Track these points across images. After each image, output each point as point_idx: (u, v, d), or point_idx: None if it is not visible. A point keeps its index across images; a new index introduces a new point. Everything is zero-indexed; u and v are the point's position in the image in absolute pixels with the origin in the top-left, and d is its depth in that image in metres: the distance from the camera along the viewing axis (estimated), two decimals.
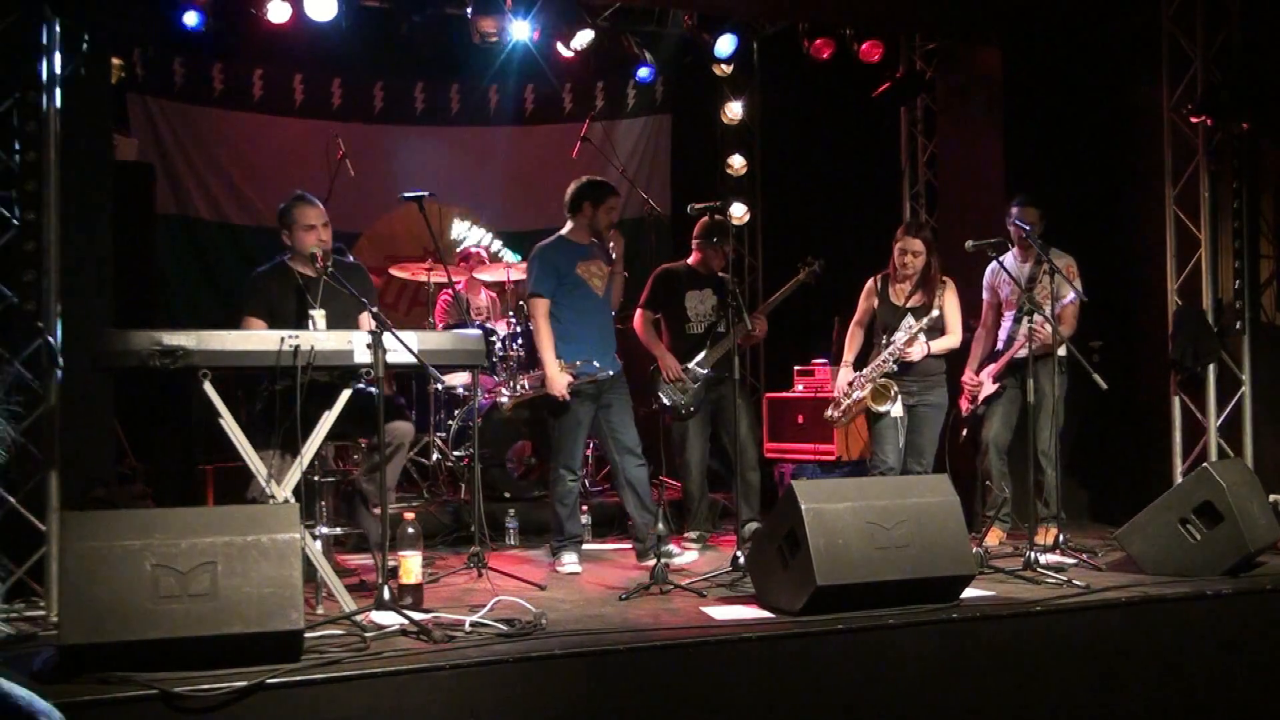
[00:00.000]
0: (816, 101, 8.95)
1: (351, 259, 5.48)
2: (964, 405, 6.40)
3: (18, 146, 4.73)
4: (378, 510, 4.89)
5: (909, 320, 5.98)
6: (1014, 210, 6.19)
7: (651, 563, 5.17)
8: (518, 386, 5.92)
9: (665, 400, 6.24)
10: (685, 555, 5.68)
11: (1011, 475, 6.31)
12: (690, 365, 6.23)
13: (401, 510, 5.57)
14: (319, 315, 4.81)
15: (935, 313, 5.93)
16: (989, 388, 6.28)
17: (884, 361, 5.97)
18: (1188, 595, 4.69)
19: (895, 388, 5.92)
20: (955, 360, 6.50)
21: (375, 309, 4.58)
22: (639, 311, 6.46)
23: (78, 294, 4.90)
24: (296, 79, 8.90)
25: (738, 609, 4.48)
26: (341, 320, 4.84)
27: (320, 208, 5.04)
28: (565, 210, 5.79)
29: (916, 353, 5.93)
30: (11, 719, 1.67)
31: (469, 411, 6.90)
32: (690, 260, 6.49)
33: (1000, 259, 5.98)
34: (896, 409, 5.93)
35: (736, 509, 5.74)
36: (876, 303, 6.11)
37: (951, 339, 6.03)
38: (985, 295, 6.43)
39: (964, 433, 6.40)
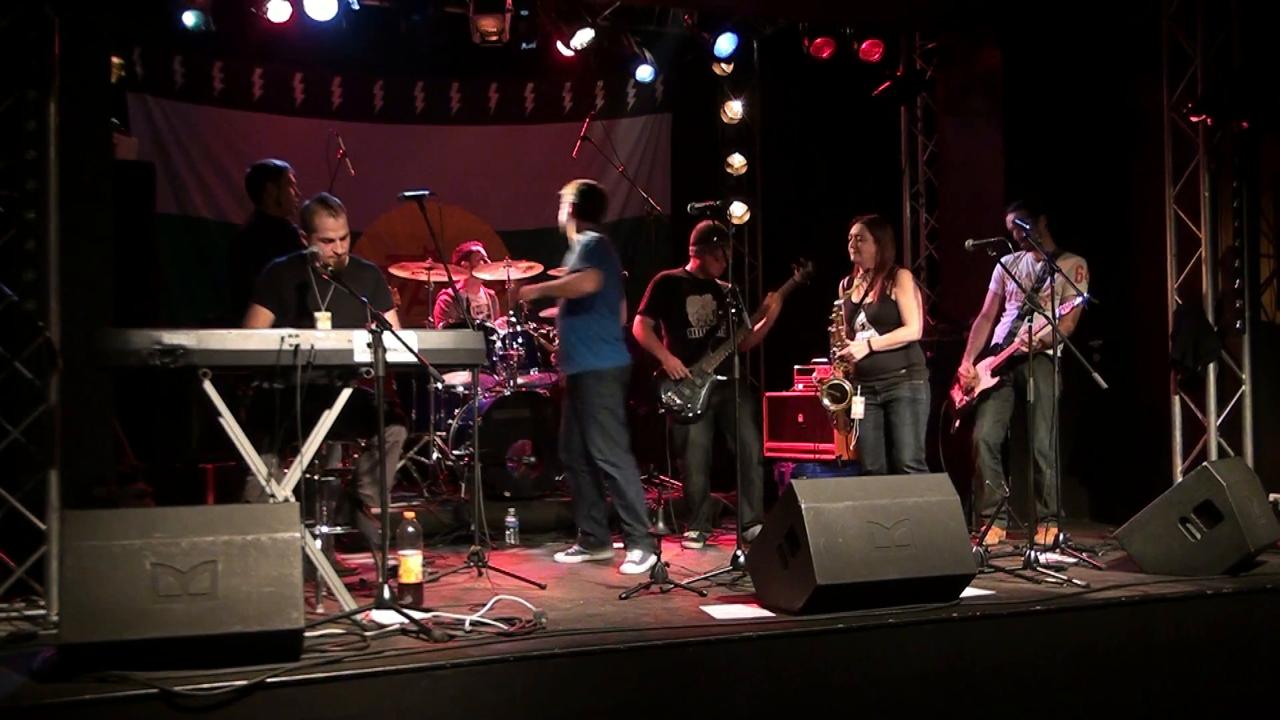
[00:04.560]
0: (816, 101, 8.95)
1: (366, 261, 5.50)
2: (957, 397, 6.39)
3: (18, 145, 4.73)
4: (376, 510, 4.90)
5: (860, 317, 6.01)
6: (1008, 216, 6.23)
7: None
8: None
9: (671, 404, 6.25)
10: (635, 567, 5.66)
11: (1011, 474, 6.30)
12: (694, 368, 6.24)
13: (401, 510, 5.57)
14: (323, 318, 4.80)
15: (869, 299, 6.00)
16: (987, 381, 6.27)
17: (835, 362, 6.04)
18: (1188, 595, 4.69)
19: (849, 388, 5.95)
20: (955, 356, 6.50)
21: (388, 311, 4.56)
22: (638, 318, 6.46)
23: (78, 294, 4.89)
24: (296, 78, 8.90)
25: (738, 608, 4.48)
26: (352, 322, 4.81)
27: (341, 217, 5.01)
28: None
29: (857, 351, 5.96)
30: None
31: (469, 411, 6.90)
32: (689, 266, 6.50)
33: (1004, 259, 5.97)
34: (857, 409, 5.94)
35: (739, 508, 5.74)
36: (843, 299, 6.15)
37: (902, 331, 5.94)
38: (992, 286, 6.42)
39: (956, 424, 6.39)
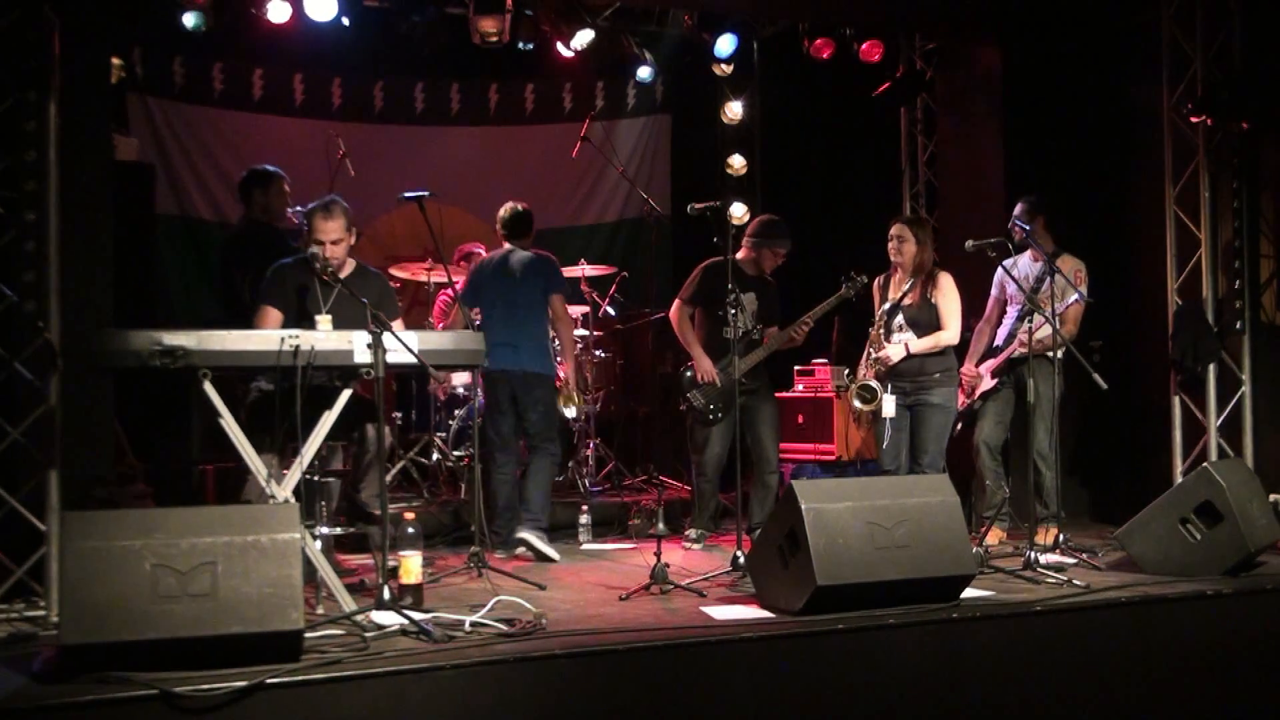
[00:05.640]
0: (816, 101, 8.95)
1: (374, 270, 5.51)
2: (959, 399, 6.39)
3: (18, 147, 4.73)
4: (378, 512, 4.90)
5: (898, 319, 5.99)
6: (1016, 210, 6.23)
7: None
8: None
9: (694, 403, 6.23)
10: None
11: (1011, 475, 6.30)
12: (723, 370, 6.20)
13: (402, 510, 5.57)
14: (323, 320, 4.80)
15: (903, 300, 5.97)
16: (988, 382, 6.28)
17: (869, 364, 6.00)
18: (1188, 595, 4.69)
19: (879, 388, 5.93)
20: (961, 356, 6.50)
21: (385, 315, 4.55)
22: (677, 303, 6.40)
23: (78, 294, 4.90)
24: (296, 79, 8.90)
25: (738, 609, 4.48)
26: (354, 326, 4.78)
27: (337, 220, 4.99)
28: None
29: (894, 354, 5.93)
30: None
31: (469, 411, 6.90)
32: (739, 254, 6.28)
33: (1004, 262, 5.97)
34: (888, 408, 5.92)
35: (749, 511, 5.71)
36: (878, 299, 6.13)
37: (941, 335, 5.94)
38: (994, 290, 6.42)
39: (958, 427, 6.39)
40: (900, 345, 5.93)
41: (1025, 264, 6.27)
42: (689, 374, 6.28)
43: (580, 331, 7.77)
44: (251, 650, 3.52)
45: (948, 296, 5.97)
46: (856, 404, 6.05)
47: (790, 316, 6.31)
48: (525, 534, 5.90)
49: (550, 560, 5.84)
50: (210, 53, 8.44)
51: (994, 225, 6.32)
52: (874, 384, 5.96)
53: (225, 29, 7.10)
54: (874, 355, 6.01)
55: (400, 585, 4.43)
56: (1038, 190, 6.43)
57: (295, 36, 7.39)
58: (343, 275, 5.06)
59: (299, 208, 6.38)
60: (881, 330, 6.03)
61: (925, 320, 5.95)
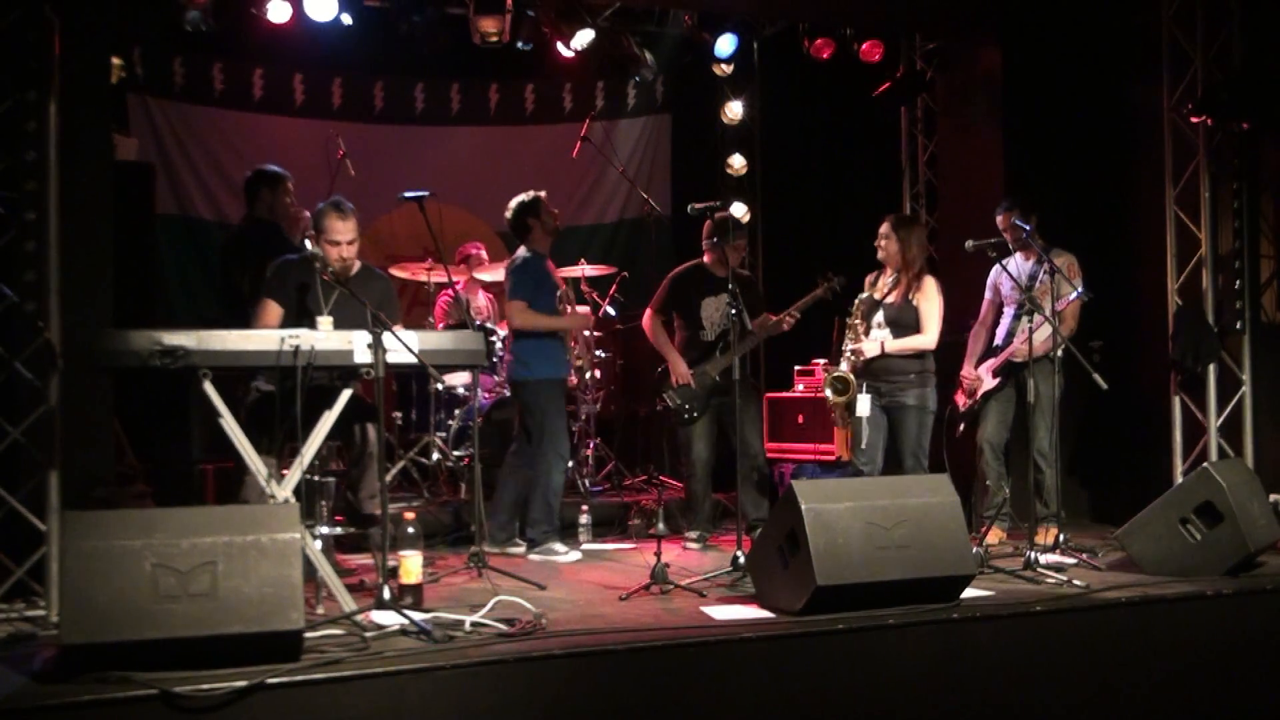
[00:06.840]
0: (816, 101, 8.96)
1: (380, 272, 5.51)
2: (960, 400, 6.38)
3: (18, 146, 4.73)
4: (377, 512, 4.90)
5: (878, 316, 5.98)
6: (999, 217, 6.20)
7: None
8: None
9: (670, 404, 6.26)
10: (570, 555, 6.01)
11: (1011, 474, 6.30)
12: (697, 371, 6.23)
13: (402, 510, 5.57)
14: (324, 322, 4.79)
15: (888, 296, 5.96)
16: (989, 382, 6.27)
17: (845, 357, 5.97)
18: (1188, 595, 4.69)
19: (853, 382, 5.90)
20: (953, 358, 6.50)
21: (387, 318, 4.55)
22: (648, 312, 6.47)
23: (78, 294, 4.89)
24: (296, 79, 8.90)
25: (738, 609, 4.48)
26: (355, 326, 4.78)
27: (350, 221, 5.01)
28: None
29: (869, 349, 5.90)
30: None
31: (469, 411, 6.90)
32: (705, 260, 6.40)
33: (1003, 261, 5.97)
34: (862, 407, 5.89)
35: (742, 509, 5.73)
36: (865, 294, 6.13)
37: (918, 339, 5.90)
38: (987, 293, 6.42)
39: (960, 428, 6.38)
40: (876, 343, 5.91)
41: (1017, 263, 6.25)
42: (663, 376, 6.34)
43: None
44: (251, 650, 3.52)
45: (930, 300, 5.93)
46: (829, 394, 5.97)
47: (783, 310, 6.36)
48: (530, 556, 5.99)
49: (567, 560, 5.90)
50: (210, 53, 8.45)
51: (994, 225, 6.32)
52: (849, 376, 5.92)
53: (225, 29, 7.09)
54: (850, 348, 5.98)
55: (400, 585, 4.43)
56: (1035, 190, 6.43)
57: (295, 36, 7.39)
58: (349, 275, 5.06)
59: (307, 213, 6.40)
60: (859, 322, 6.01)
61: (904, 321, 5.92)
